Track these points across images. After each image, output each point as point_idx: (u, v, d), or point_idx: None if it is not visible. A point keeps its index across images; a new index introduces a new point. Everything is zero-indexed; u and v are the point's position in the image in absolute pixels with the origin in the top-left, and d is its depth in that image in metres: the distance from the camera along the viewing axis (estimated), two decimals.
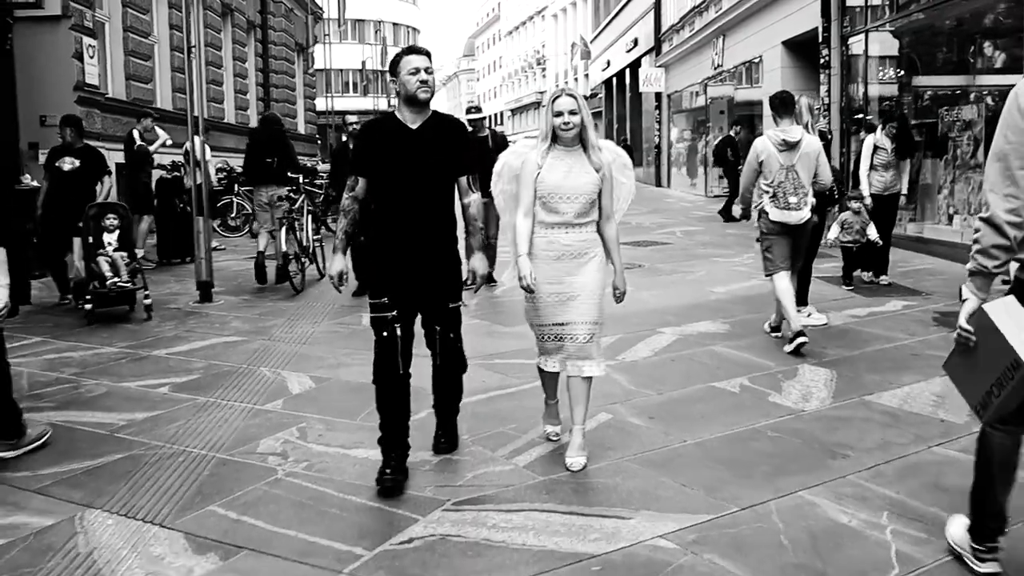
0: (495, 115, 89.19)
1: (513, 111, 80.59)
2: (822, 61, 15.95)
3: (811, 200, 7.11)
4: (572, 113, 4.49)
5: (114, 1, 17.41)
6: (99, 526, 3.96)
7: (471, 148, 4.73)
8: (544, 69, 70.99)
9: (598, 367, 4.63)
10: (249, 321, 8.58)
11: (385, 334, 4.39)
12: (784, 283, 7.08)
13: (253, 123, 27.54)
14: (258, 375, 6.50)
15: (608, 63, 40.49)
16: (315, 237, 11.17)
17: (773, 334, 7.43)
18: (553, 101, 4.56)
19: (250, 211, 18.15)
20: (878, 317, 8.20)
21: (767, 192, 7.08)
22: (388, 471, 4.31)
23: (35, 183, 12.33)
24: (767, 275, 7.29)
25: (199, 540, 3.81)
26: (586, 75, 49.21)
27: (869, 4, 14.80)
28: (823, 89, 15.80)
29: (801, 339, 6.73)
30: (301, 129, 32.60)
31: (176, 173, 14.83)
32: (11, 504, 4.24)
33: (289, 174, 11.26)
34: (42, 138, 13.41)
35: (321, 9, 37.30)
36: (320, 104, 37.73)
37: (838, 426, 5.19)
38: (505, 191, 4.96)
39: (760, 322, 7.84)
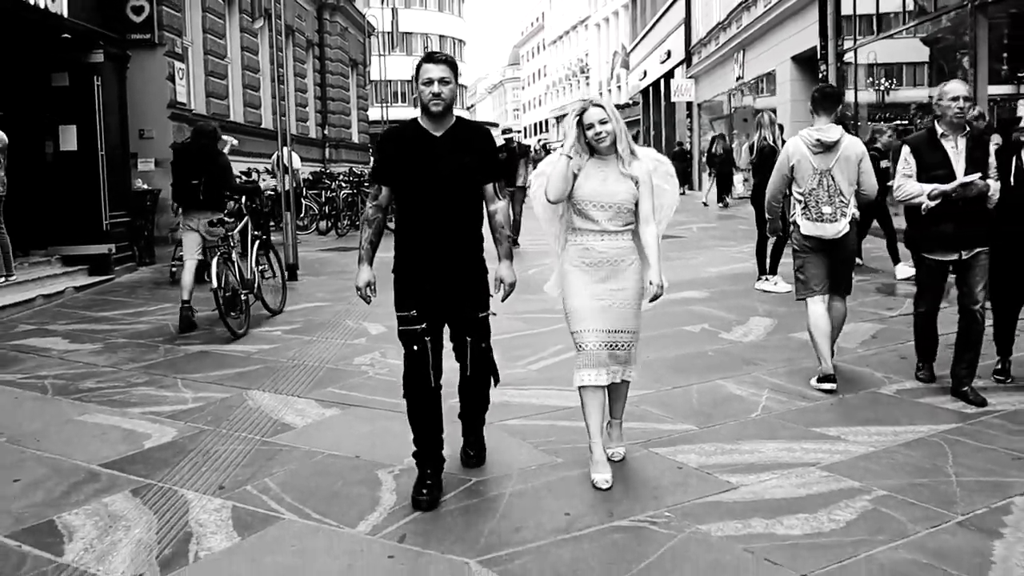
0: (540, 123, 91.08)
1: (557, 119, 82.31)
2: (820, 75, 17.95)
3: (852, 211, 6.04)
4: (603, 122, 4.42)
5: (196, 28, 19.77)
6: (260, 397, 6.21)
7: (498, 155, 4.79)
8: (587, 77, 72.60)
9: (634, 372, 4.70)
10: (331, 292, 10.83)
11: (415, 348, 4.34)
12: (818, 310, 6.14)
13: (313, 134, 30.10)
14: (344, 325, 8.73)
15: (645, 73, 42.53)
16: (260, 267, 9.21)
17: (825, 385, 6.11)
18: (582, 114, 4.50)
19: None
20: None
21: (799, 202, 6.16)
22: (424, 491, 4.28)
23: (145, 186, 14.83)
24: (799, 299, 6.35)
25: (325, 402, 6.04)
26: (619, 86, 51.18)
27: (858, 25, 16.80)
28: None
29: (828, 385, 6.02)
30: (355, 139, 35.01)
31: (249, 179, 16.82)
32: (198, 388, 6.50)
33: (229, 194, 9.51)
34: (140, 149, 15.72)
35: (373, 27, 39.75)
36: (375, 114, 40.24)
37: (761, 349, 7.31)
38: (545, 202, 4.80)
39: (739, 294, 9.90)
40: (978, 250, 5.72)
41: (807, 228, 6.13)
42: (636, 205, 4.54)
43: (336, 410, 5.89)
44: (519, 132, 74.32)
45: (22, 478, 4.79)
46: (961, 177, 5.54)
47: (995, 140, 6.35)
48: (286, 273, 10.15)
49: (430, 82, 4.27)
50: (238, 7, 22.39)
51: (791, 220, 6.36)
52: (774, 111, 21.45)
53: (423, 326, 4.33)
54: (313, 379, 6.68)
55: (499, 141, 15.96)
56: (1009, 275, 5.98)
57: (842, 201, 6.04)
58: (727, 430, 5.29)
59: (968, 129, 5.76)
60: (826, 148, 6.03)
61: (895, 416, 5.38)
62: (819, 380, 6.09)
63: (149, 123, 16.06)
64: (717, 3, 28.14)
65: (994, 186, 5.66)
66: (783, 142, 10.91)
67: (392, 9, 41.24)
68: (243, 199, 9.35)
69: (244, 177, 16.85)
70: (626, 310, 4.54)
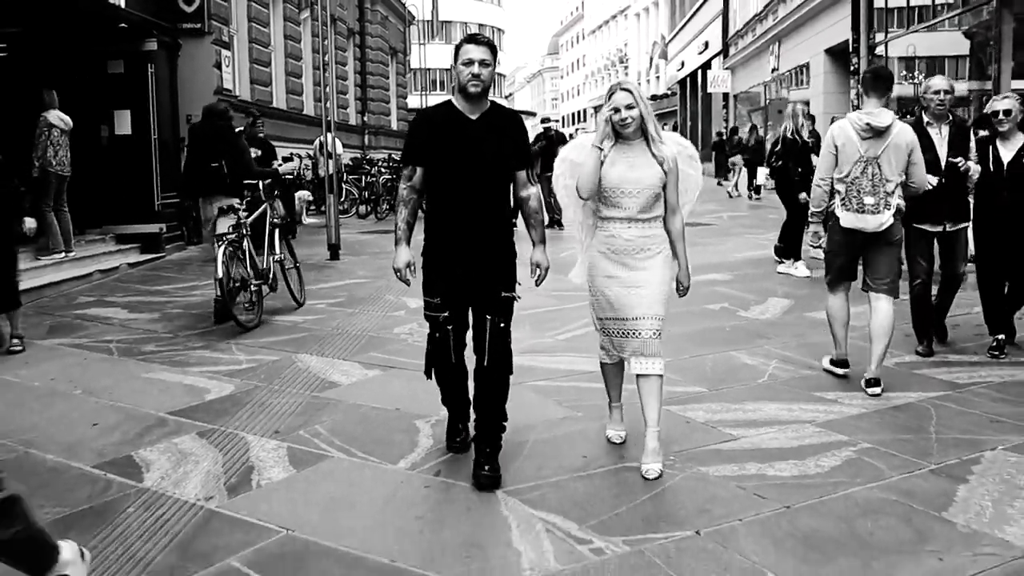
0: (579, 112, 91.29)
1: (596, 108, 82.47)
2: (852, 68, 18.26)
3: (898, 203, 5.66)
4: (629, 107, 4.37)
5: (242, 17, 20.37)
6: (307, 360, 6.78)
7: (529, 141, 4.77)
8: (627, 67, 72.72)
9: (662, 364, 4.50)
10: (371, 271, 11.40)
11: (438, 335, 4.43)
12: (836, 302, 6.02)
13: (353, 121, 30.75)
14: (384, 299, 9.29)
15: (683, 64, 42.83)
16: (278, 256, 8.74)
17: (837, 369, 6.11)
18: (609, 98, 4.45)
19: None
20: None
21: (838, 192, 5.76)
22: (457, 439, 4.78)
23: None
24: (828, 281, 6.12)
25: (368, 364, 6.60)
26: (657, 77, 51.42)
27: (895, 16, 17.11)
28: (852, 93, 18.12)
29: (841, 370, 6.02)
30: (394, 126, 35.61)
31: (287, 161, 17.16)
32: (250, 352, 7.08)
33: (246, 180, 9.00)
34: (187, 133, 16.39)
35: (413, 16, 40.34)
36: (414, 102, 40.85)
37: (775, 325, 7.77)
38: (568, 186, 4.78)
39: (760, 277, 10.36)
40: (961, 225, 6.52)
41: (846, 220, 5.70)
42: (663, 190, 4.49)
43: (378, 371, 6.45)
44: (557, 121, 74.66)
45: (100, 423, 5.38)
46: (944, 160, 6.32)
47: (982, 132, 6.94)
48: (299, 264, 9.42)
49: (470, 63, 4.24)
50: None
51: (831, 211, 5.86)
52: (808, 103, 21.83)
53: (446, 314, 4.37)
54: (356, 345, 7.23)
55: (538, 129, 16.57)
56: (990, 252, 6.63)
57: (887, 192, 5.57)
58: (734, 393, 5.77)
59: (951, 118, 6.51)
60: (876, 134, 5.56)
61: (890, 383, 5.82)
62: (832, 363, 6.11)
63: (196, 109, 16.45)
64: None
65: (974, 168, 6.41)
66: (812, 134, 11.40)
67: (434, 2, 41.72)
68: (262, 184, 8.88)
69: (283, 161, 17.35)
70: (652, 298, 4.46)
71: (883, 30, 17.23)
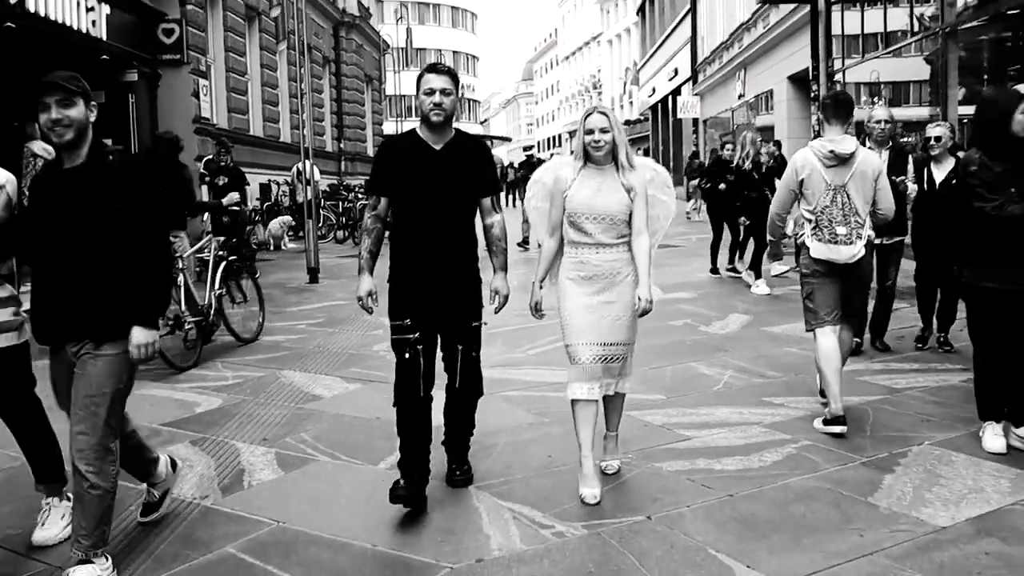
0: (554, 137, 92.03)
1: (571, 134, 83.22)
2: (812, 95, 18.89)
3: (868, 233, 5.47)
4: (603, 131, 4.40)
5: (219, 47, 20.81)
6: (291, 375, 7.18)
7: (495, 168, 4.81)
8: (600, 93, 73.52)
9: (629, 384, 4.73)
10: (349, 293, 11.74)
11: (407, 356, 4.36)
12: (828, 343, 5.50)
13: (329, 148, 31.19)
14: (363, 319, 9.67)
15: (654, 90, 43.52)
16: (218, 291, 8.31)
17: (835, 427, 5.38)
18: (585, 119, 4.48)
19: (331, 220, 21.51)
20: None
21: (809, 221, 5.53)
22: (403, 483, 4.27)
23: None
24: (808, 330, 5.68)
25: (349, 379, 7.01)
26: (631, 102, 52.22)
27: (858, 43, 17.75)
28: (813, 119, 18.73)
29: (838, 428, 5.33)
30: (370, 152, 36.08)
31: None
32: (236, 369, 7.47)
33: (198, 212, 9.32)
34: None
35: (388, 44, 40.92)
36: (390, 128, 41.39)
37: (733, 339, 8.23)
38: (539, 208, 4.87)
39: (723, 295, 10.83)
40: (896, 238, 7.21)
41: (818, 251, 5.47)
42: (630, 216, 4.48)
43: (358, 384, 6.85)
44: (533, 146, 75.32)
45: None
46: None
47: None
48: (263, 299, 9.20)
49: (432, 92, 4.29)
50: (258, 26, 23.46)
51: (798, 240, 5.68)
52: (772, 128, 22.52)
53: (416, 335, 4.32)
54: (338, 362, 7.63)
55: (520, 157, 17.60)
56: (925, 263, 7.44)
57: (857, 221, 5.41)
58: (691, 399, 6.22)
59: (891, 144, 7.20)
60: (841, 161, 5.41)
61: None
62: (826, 422, 5.40)
63: None
64: (721, 23, 29.13)
65: (912, 187, 7.06)
66: (777, 159, 12.08)
67: (407, 29, 42.41)
68: (209, 217, 8.59)
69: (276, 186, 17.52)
70: (621, 323, 4.49)
71: (844, 56, 17.83)
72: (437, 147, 4.40)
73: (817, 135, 18.10)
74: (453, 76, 4.42)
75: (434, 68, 4.42)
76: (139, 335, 3.63)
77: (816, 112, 18.74)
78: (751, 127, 14.91)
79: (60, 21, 11.34)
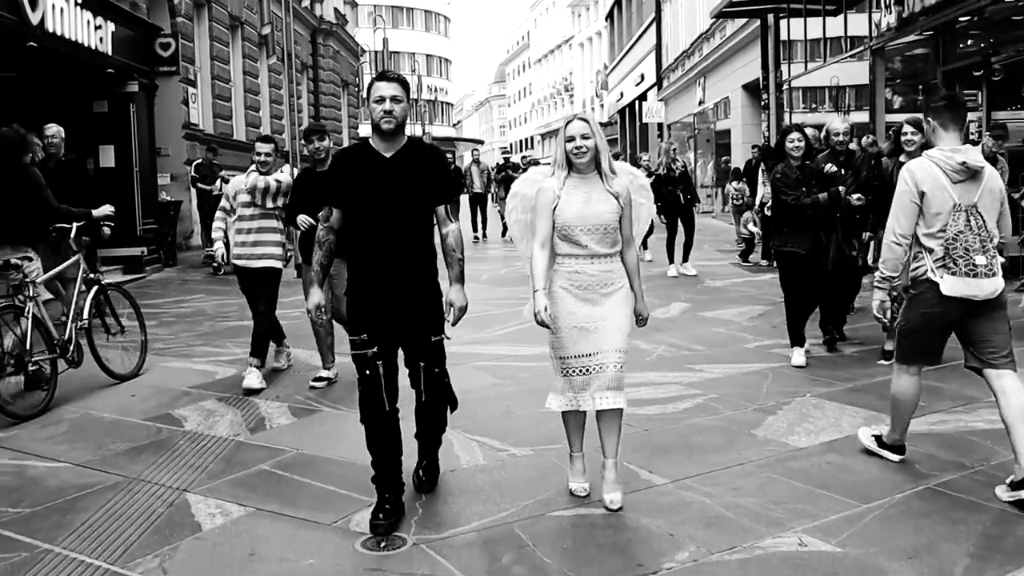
0: (526, 140, 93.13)
1: (543, 136, 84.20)
2: (763, 103, 20.30)
3: (1000, 259, 4.64)
4: (584, 137, 4.36)
5: (204, 56, 21.94)
6: (295, 351, 8.36)
7: (450, 175, 4.64)
8: (572, 96, 74.57)
9: (624, 398, 4.58)
10: None
11: (367, 372, 4.32)
12: (913, 383, 4.88)
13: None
14: None
15: (621, 94, 44.98)
16: (84, 321, 7.18)
17: (892, 455, 5.09)
18: (566, 126, 4.46)
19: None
20: (751, 281, 12.52)
21: (930, 250, 4.62)
22: (381, 515, 4.27)
23: (169, 198, 17.07)
24: (899, 359, 4.95)
25: (342, 354, 8.21)
26: (601, 105, 53.58)
27: (793, 59, 19.17)
28: (763, 125, 20.14)
29: (897, 456, 5.04)
30: None
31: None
32: (246, 347, 8.67)
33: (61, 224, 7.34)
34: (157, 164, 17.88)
35: (364, 50, 42.10)
36: (366, 130, 42.40)
37: (672, 322, 9.55)
38: (520, 221, 4.83)
39: (669, 286, 12.16)
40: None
41: (953, 287, 4.51)
42: (619, 223, 4.46)
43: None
44: (506, 148, 76.48)
45: (136, 395, 6.97)
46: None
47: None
48: (144, 322, 8.11)
49: (381, 100, 4.24)
50: (241, 35, 24.59)
51: (921, 277, 4.67)
52: (729, 133, 23.92)
53: (374, 350, 4.29)
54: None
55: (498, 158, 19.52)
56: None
57: (994, 248, 4.58)
58: (626, 367, 7.49)
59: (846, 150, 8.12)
60: (971, 175, 4.56)
61: (747, 359, 7.62)
62: (884, 444, 5.09)
63: (166, 142, 18.22)
64: (683, 32, 30.58)
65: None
66: (682, 166, 13.81)
67: (384, 40, 43.62)
68: (72, 230, 7.30)
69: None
70: (614, 332, 4.45)
71: (806, 61, 19.09)
72: (388, 155, 4.33)
73: (779, 142, 19.47)
74: (403, 83, 4.37)
75: (384, 76, 4.37)
76: None
77: (765, 119, 20.17)
78: (668, 141, 17.12)
79: (73, 39, 12.46)
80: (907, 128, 7.53)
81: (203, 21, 21.61)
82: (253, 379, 6.99)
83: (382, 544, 4.12)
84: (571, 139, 4.41)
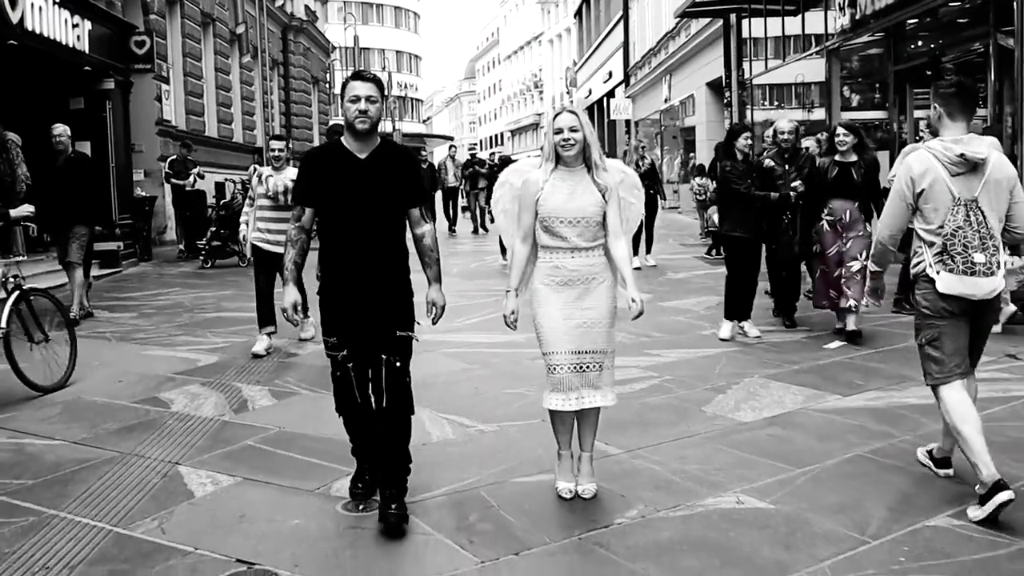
0: (497, 135, 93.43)
1: (513, 132, 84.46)
2: (725, 100, 20.83)
3: (1007, 259, 4.52)
4: (573, 130, 4.32)
5: (177, 53, 22.19)
6: (272, 339, 8.74)
7: (423, 177, 4.65)
8: (541, 92, 74.96)
9: (612, 396, 4.58)
10: (307, 276, 13.42)
11: (339, 373, 4.43)
12: (961, 400, 4.41)
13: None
14: None
15: (590, 91, 45.46)
16: (3, 328, 6.81)
17: (938, 469, 4.84)
18: (554, 119, 4.41)
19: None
20: (711, 274, 13.01)
21: (930, 244, 4.46)
22: (360, 484, 4.63)
23: (144, 193, 17.36)
24: (930, 384, 4.56)
25: (319, 343, 8.60)
26: (571, 101, 54.02)
27: (754, 58, 19.70)
28: (726, 123, 20.66)
29: (1005, 495, 4.11)
30: None
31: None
32: (224, 336, 9.06)
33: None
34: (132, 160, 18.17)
35: (334, 47, 42.34)
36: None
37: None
38: (507, 211, 4.83)
39: (637, 277, 12.58)
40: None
41: (950, 285, 4.34)
42: (604, 218, 4.42)
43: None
44: (473, 145, 76.84)
45: (123, 381, 7.33)
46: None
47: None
48: (74, 331, 7.86)
49: (356, 99, 4.21)
50: (212, 32, 24.82)
51: (921, 274, 4.50)
52: (694, 130, 24.44)
53: (344, 353, 4.34)
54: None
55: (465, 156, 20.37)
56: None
57: (995, 246, 4.34)
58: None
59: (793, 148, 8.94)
60: (971, 168, 4.35)
61: (703, 344, 8.09)
62: (986, 498, 4.16)
63: (139, 138, 18.50)
64: (650, 30, 31.08)
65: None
66: (650, 164, 14.26)
67: (355, 37, 43.87)
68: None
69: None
70: (598, 329, 4.45)
71: (764, 60, 19.62)
72: (361, 156, 4.31)
73: (729, 140, 19.99)
74: (378, 83, 4.34)
75: (360, 75, 4.34)
76: None
77: (728, 116, 20.70)
78: (638, 139, 17.92)
79: (51, 37, 12.75)
80: (840, 131, 8.56)
81: (175, 18, 21.85)
82: (260, 346, 8.20)
83: (360, 507, 4.53)
84: (559, 131, 4.38)
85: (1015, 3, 10.15)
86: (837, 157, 8.46)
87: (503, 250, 16.96)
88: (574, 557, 3.97)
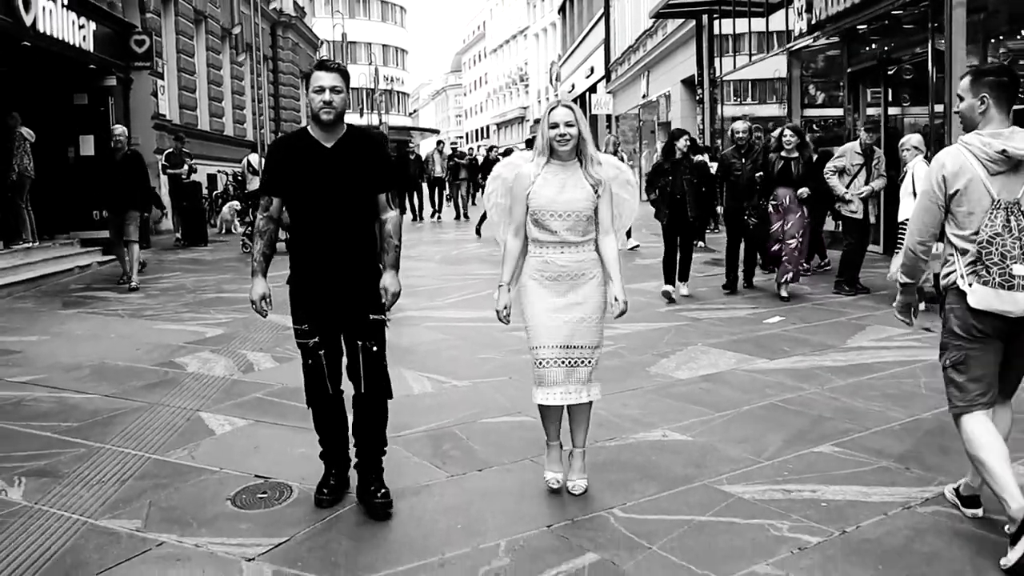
0: (482, 128, 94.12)
1: (498, 125, 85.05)
2: (697, 98, 21.83)
3: None
4: (568, 125, 4.30)
5: (171, 49, 23.04)
6: (271, 316, 9.69)
7: (391, 163, 4.70)
8: (527, 86, 75.56)
9: (597, 391, 4.57)
10: None
11: (310, 361, 4.43)
12: (984, 431, 3.91)
13: (267, 140, 33.44)
14: None
15: (573, 86, 46.42)
16: None
17: (965, 509, 4.27)
18: (549, 112, 4.38)
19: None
20: None
21: (962, 252, 3.94)
22: (326, 490, 4.53)
23: None
24: (953, 412, 4.08)
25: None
26: (556, 95, 54.94)
27: (727, 55, 20.71)
28: (698, 119, 21.67)
29: (970, 510, 4.20)
30: None
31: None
32: (226, 313, 10.00)
33: None
34: None
35: (322, 41, 43.21)
36: None
37: None
38: (499, 205, 4.81)
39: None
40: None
41: (984, 299, 3.83)
42: (595, 213, 4.40)
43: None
44: (455, 140, 77.78)
45: (140, 349, 8.27)
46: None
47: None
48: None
49: (321, 90, 4.20)
50: (204, 29, 25.67)
51: (951, 285, 4.00)
52: (669, 124, 25.43)
53: (315, 340, 4.37)
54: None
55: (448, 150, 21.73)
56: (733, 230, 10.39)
57: None
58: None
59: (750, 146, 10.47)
60: (1013, 166, 3.85)
61: (657, 320, 9.08)
62: (1017, 536, 3.67)
63: (136, 132, 19.20)
64: (630, 28, 32.06)
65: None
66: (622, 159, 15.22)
67: (343, 34, 44.70)
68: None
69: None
70: (587, 325, 4.44)
71: (733, 57, 20.61)
72: (328, 144, 4.32)
73: (700, 132, 21.08)
74: (343, 73, 4.34)
75: (323, 65, 4.34)
76: None
77: (700, 113, 21.70)
78: (614, 134, 19.05)
79: (61, 38, 13.64)
80: (787, 132, 10.04)
81: (170, 16, 22.71)
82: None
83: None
84: (555, 126, 4.35)
85: (945, 7, 11.14)
86: (783, 153, 10.04)
87: (478, 231, 17.98)
88: (525, 472, 4.94)
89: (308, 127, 4.40)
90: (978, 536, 4.05)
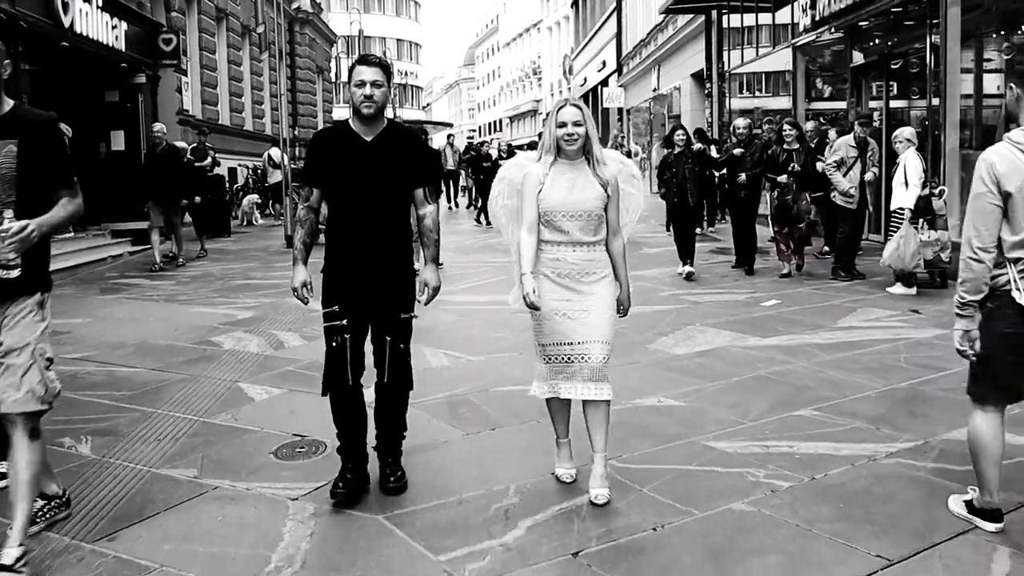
0: (495, 122, 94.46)
1: (511, 119, 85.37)
2: (706, 91, 22.33)
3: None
4: (576, 124, 4.30)
5: (194, 46, 23.68)
6: (293, 301, 10.32)
7: (430, 159, 4.72)
8: (540, 79, 75.81)
9: (608, 390, 4.42)
10: (318, 253, 14.99)
11: (335, 344, 4.42)
12: (991, 425, 3.94)
13: (284, 134, 34.10)
14: None
15: (585, 80, 46.89)
16: None
17: (986, 524, 4.02)
18: (557, 111, 4.38)
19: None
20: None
21: (1014, 261, 3.76)
22: (341, 484, 4.46)
23: None
24: (972, 396, 4.05)
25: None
26: (569, 88, 55.41)
27: (736, 48, 21.19)
28: (707, 112, 22.17)
29: (992, 525, 3.98)
30: None
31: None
32: (255, 298, 10.62)
33: None
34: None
35: (337, 36, 43.87)
36: (341, 113, 44.33)
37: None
38: (506, 206, 4.80)
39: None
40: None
41: None
42: (605, 211, 4.39)
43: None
44: (474, 131, 78.10)
45: (177, 330, 8.89)
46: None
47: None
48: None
49: (362, 84, 4.27)
50: (226, 26, 26.31)
51: (1002, 287, 3.80)
52: (678, 117, 25.95)
53: (344, 322, 4.40)
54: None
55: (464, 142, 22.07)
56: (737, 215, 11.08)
57: None
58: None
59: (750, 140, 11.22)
60: None
61: (659, 303, 9.66)
62: (976, 511, 4.04)
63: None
64: (641, 22, 32.53)
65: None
66: (628, 154, 15.89)
67: (360, 31, 45.37)
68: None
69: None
70: (598, 321, 4.41)
71: (740, 50, 21.05)
72: (368, 138, 4.39)
73: (709, 126, 21.56)
74: (385, 68, 4.38)
75: (365, 60, 4.40)
76: None
77: (709, 106, 22.19)
78: (619, 129, 19.53)
79: (96, 38, 14.31)
80: (787, 127, 10.62)
81: (193, 14, 23.34)
82: None
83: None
84: (563, 125, 4.35)
85: (941, 5, 11.64)
86: (784, 145, 10.63)
87: (482, 215, 18.44)
88: (532, 432, 5.53)
89: (349, 120, 4.49)
90: (932, 482, 4.62)
